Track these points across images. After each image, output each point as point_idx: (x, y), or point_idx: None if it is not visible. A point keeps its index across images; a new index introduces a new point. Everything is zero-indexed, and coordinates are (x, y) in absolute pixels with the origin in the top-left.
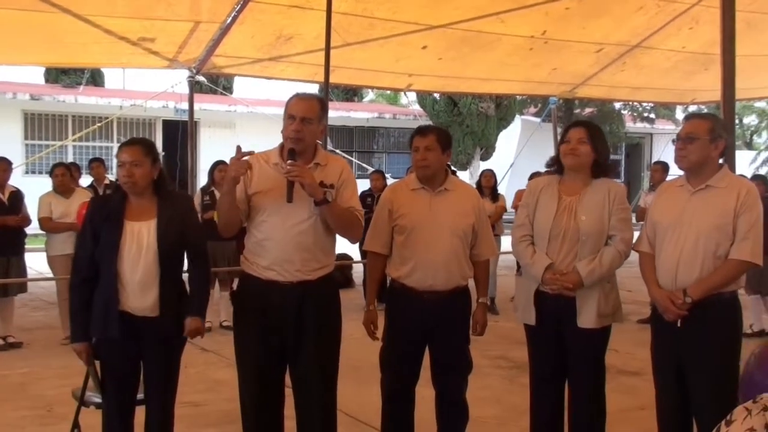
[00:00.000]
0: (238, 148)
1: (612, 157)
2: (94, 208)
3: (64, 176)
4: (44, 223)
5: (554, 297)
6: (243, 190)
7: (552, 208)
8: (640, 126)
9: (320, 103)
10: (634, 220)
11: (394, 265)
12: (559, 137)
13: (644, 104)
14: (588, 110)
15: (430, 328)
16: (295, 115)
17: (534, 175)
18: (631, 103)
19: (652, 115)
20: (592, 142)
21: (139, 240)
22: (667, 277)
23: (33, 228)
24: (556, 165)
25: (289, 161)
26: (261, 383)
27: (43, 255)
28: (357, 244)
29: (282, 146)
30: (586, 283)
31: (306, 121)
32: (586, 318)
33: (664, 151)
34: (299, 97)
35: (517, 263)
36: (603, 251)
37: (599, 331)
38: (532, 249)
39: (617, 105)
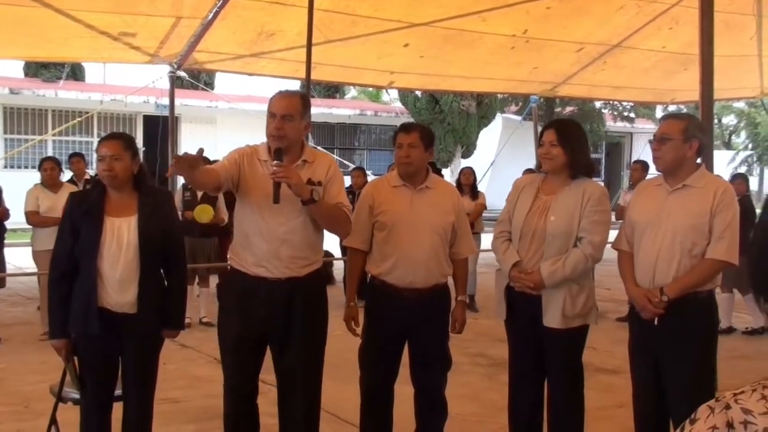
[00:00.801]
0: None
1: (592, 155)
2: (74, 203)
3: (53, 170)
4: (31, 217)
5: (523, 294)
6: (233, 174)
7: (526, 206)
8: (621, 125)
9: (302, 99)
10: (613, 219)
11: (374, 261)
12: (539, 134)
13: (624, 103)
14: (569, 109)
15: (409, 326)
16: (276, 113)
17: (527, 172)
18: (611, 102)
19: (632, 115)
20: (564, 143)
21: (119, 236)
22: (645, 275)
23: (11, 223)
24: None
25: (275, 162)
26: (241, 374)
27: (21, 250)
28: (337, 241)
29: (269, 145)
30: (548, 284)
31: (287, 118)
32: (551, 318)
33: (643, 150)
34: (280, 95)
35: None
36: (569, 254)
37: (570, 331)
38: (506, 245)
39: (598, 104)
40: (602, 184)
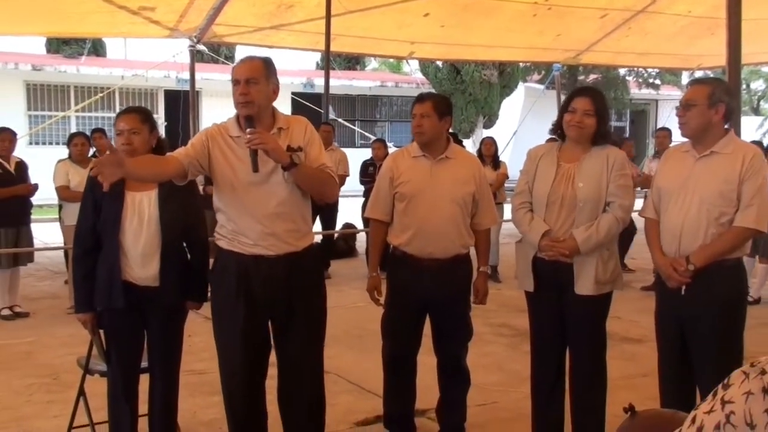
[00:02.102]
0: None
1: (617, 123)
2: (95, 179)
3: (83, 146)
4: (62, 191)
5: (552, 264)
6: (206, 160)
7: (550, 175)
8: (645, 92)
9: (264, 62)
10: (638, 188)
11: (394, 232)
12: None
13: (649, 70)
14: (592, 76)
15: (430, 296)
16: (239, 78)
17: (550, 141)
18: (636, 69)
19: (658, 81)
20: (598, 114)
21: (141, 211)
22: (671, 243)
23: (37, 198)
24: (558, 131)
25: (248, 129)
26: (245, 359)
27: (48, 225)
28: (360, 213)
29: (238, 117)
30: (583, 250)
31: (251, 82)
32: (584, 285)
33: (669, 117)
34: (241, 61)
35: None
36: (600, 218)
37: (598, 298)
38: (530, 216)
39: (622, 71)
40: (622, 151)
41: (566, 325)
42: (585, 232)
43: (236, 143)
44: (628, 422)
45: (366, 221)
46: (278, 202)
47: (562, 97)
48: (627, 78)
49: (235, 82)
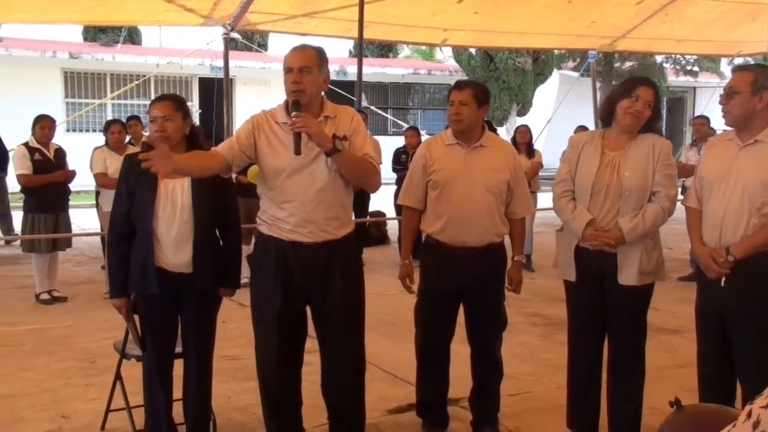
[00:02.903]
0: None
1: None
2: (128, 166)
3: (120, 134)
4: (100, 178)
5: (595, 253)
6: (251, 148)
7: (595, 163)
8: (683, 79)
9: (317, 52)
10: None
11: (427, 220)
12: (598, 92)
13: (687, 57)
14: (628, 64)
15: (463, 285)
16: (293, 67)
17: (579, 129)
18: (673, 55)
19: (696, 68)
20: (655, 104)
21: (174, 198)
22: (712, 233)
23: (75, 185)
24: (605, 116)
25: (293, 113)
26: (281, 343)
27: (85, 211)
28: (392, 201)
29: (287, 103)
30: (628, 240)
31: (304, 71)
32: (628, 275)
33: (707, 105)
34: (294, 49)
35: None
36: (646, 207)
37: (641, 288)
38: (573, 204)
39: (659, 58)
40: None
41: (607, 314)
42: (631, 221)
43: (283, 129)
44: (674, 416)
45: (398, 209)
46: (319, 189)
47: (598, 85)
48: (664, 65)
49: (288, 69)
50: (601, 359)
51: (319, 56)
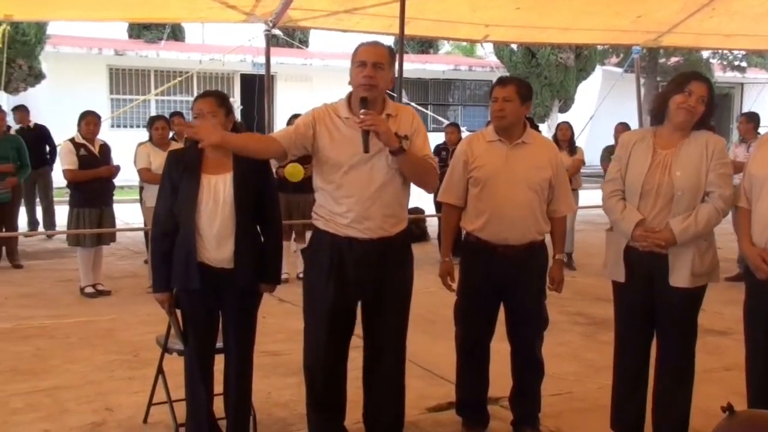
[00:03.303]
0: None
1: None
2: (172, 162)
3: (164, 129)
4: (143, 173)
5: (645, 254)
6: (310, 139)
7: (645, 162)
8: (730, 75)
9: (389, 50)
10: None
11: (468, 217)
12: (642, 88)
13: (735, 52)
14: (674, 59)
15: (504, 283)
16: (366, 61)
17: (619, 126)
18: (720, 51)
19: (744, 64)
20: (710, 99)
21: (216, 194)
22: (761, 233)
23: (119, 180)
24: (657, 113)
25: (362, 111)
26: (331, 336)
27: (129, 206)
28: (432, 197)
29: (350, 98)
30: (680, 241)
31: (378, 67)
32: (679, 277)
33: (756, 101)
34: (368, 44)
35: None
36: (699, 208)
37: (693, 290)
38: (623, 204)
39: (705, 53)
40: (722, 138)
41: (656, 316)
42: (683, 222)
43: (344, 124)
44: (727, 422)
45: (438, 205)
46: (378, 186)
47: (642, 81)
48: (711, 60)
49: (361, 63)
50: (649, 360)
51: (390, 54)
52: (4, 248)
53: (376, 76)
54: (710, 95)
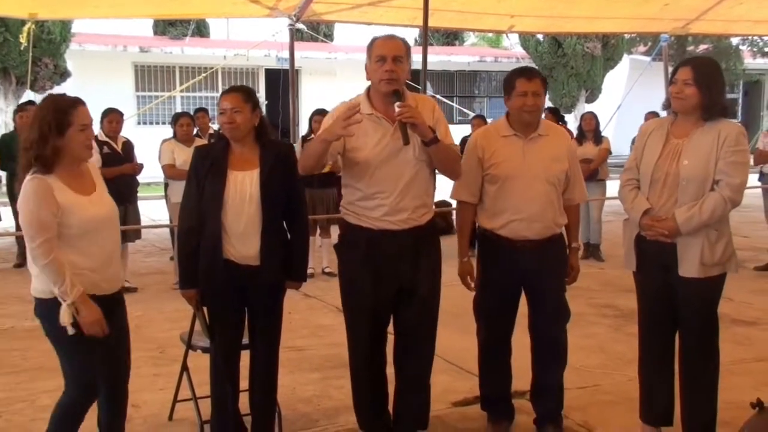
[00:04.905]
0: (355, 113)
1: (729, 95)
2: (198, 158)
3: (189, 126)
4: (168, 170)
5: (655, 243)
6: (342, 145)
7: (656, 151)
8: (761, 62)
9: (405, 42)
10: (751, 163)
11: (486, 215)
12: (669, 75)
13: (765, 38)
14: (702, 47)
15: (524, 277)
16: (386, 56)
17: (649, 115)
18: (750, 37)
19: None
20: (699, 83)
21: (242, 190)
22: None
23: (144, 176)
24: (670, 106)
25: (397, 103)
26: (373, 328)
27: (154, 202)
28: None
29: (368, 94)
30: (684, 231)
31: (397, 60)
32: (688, 267)
33: None
34: (384, 38)
35: None
36: (705, 198)
37: (707, 280)
38: (635, 193)
39: (735, 40)
40: (739, 125)
41: (676, 305)
42: (687, 212)
43: (368, 120)
44: (757, 417)
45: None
46: (409, 179)
47: (670, 69)
48: (740, 47)
49: (381, 58)
50: (673, 350)
51: (407, 46)
52: None
53: (396, 69)
54: (697, 76)
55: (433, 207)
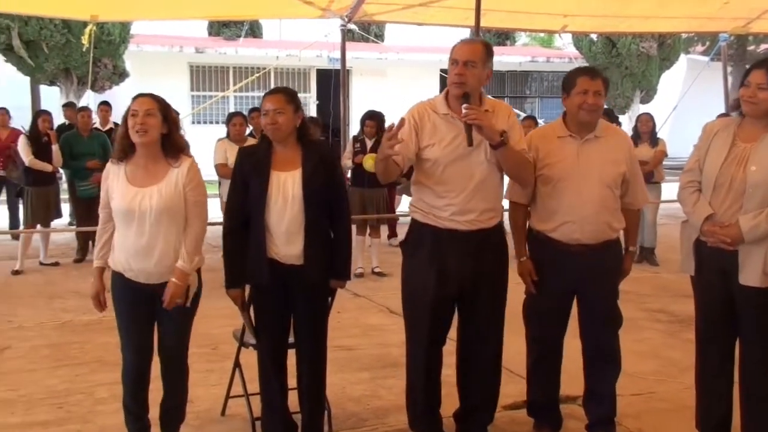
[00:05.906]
0: (398, 129)
1: None
2: (243, 158)
3: (242, 126)
4: (221, 169)
5: (715, 248)
6: (412, 150)
7: (722, 154)
8: None
9: (485, 46)
10: None
11: (538, 217)
12: (729, 77)
13: None
14: (763, 46)
15: (578, 282)
16: (458, 59)
17: (721, 117)
18: None
19: None
20: None
21: (285, 190)
22: None
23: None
24: (739, 108)
25: (465, 105)
26: (432, 327)
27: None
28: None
29: (447, 95)
30: (747, 240)
31: (469, 65)
32: (749, 275)
33: None
34: (463, 41)
35: None
36: None
37: None
38: (696, 196)
39: None
40: None
41: (735, 312)
42: (752, 220)
43: (443, 120)
44: None
45: None
46: (479, 180)
47: (729, 70)
48: None
49: (454, 62)
50: (733, 357)
51: (485, 51)
52: (91, 243)
53: (465, 73)
54: None
55: (501, 211)
